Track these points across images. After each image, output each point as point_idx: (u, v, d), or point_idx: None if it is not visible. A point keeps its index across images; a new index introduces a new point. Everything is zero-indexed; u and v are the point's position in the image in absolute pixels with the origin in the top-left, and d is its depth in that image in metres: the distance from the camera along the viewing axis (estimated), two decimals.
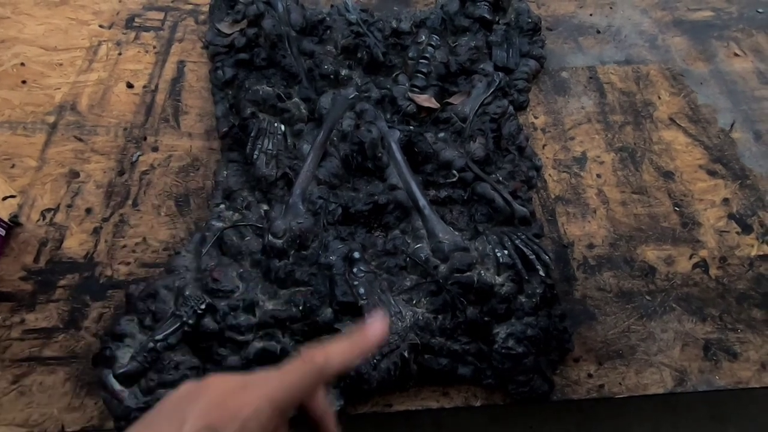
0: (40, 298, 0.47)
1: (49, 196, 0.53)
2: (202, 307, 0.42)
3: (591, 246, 0.53)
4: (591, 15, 0.75)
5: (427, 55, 0.61)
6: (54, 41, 0.65)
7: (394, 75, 0.62)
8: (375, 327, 0.26)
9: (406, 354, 0.42)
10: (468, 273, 0.45)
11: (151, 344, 0.40)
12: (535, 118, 0.63)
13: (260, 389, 0.23)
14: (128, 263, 0.49)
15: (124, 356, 0.40)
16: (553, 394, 0.44)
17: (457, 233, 0.48)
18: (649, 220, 0.55)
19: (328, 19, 0.64)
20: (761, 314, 0.50)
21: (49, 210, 0.52)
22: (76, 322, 0.46)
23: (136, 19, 0.69)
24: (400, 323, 0.43)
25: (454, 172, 0.53)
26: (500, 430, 0.55)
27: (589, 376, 0.46)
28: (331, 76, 0.59)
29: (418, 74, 0.60)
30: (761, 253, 0.54)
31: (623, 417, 0.48)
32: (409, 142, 0.54)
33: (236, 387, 0.23)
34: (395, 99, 0.58)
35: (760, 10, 0.77)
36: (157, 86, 0.62)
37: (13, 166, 0.55)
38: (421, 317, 0.44)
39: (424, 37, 0.63)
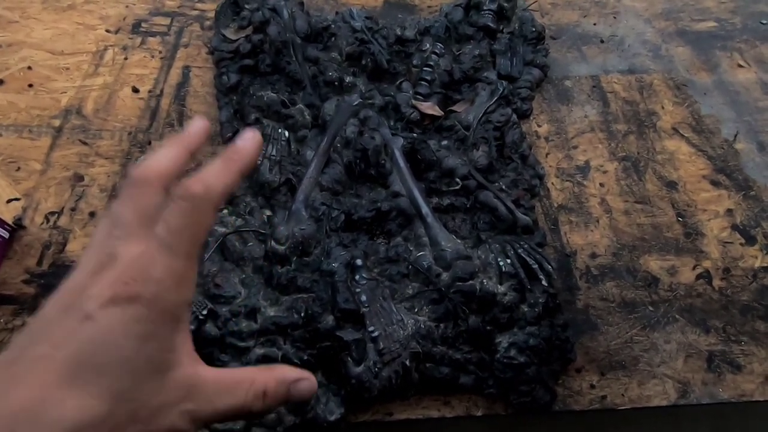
0: (42, 302, 0.47)
1: (53, 199, 0.53)
2: (204, 312, 0.42)
3: (594, 255, 0.53)
4: (595, 24, 0.76)
5: (431, 62, 0.61)
6: (61, 45, 0.65)
7: (398, 82, 0.62)
8: (246, 138, 0.24)
9: (407, 362, 0.42)
10: (470, 282, 0.45)
11: None
12: (539, 126, 0.63)
13: (160, 246, 0.20)
14: None
15: None
16: (555, 404, 0.44)
17: (459, 241, 0.48)
18: (652, 230, 0.55)
19: (332, 26, 0.65)
20: (765, 326, 0.50)
21: (52, 213, 0.52)
22: None
23: (143, 25, 0.69)
24: (401, 331, 0.43)
25: (457, 179, 0.53)
26: None
27: (592, 386, 0.45)
28: (336, 83, 0.60)
29: (422, 82, 0.61)
30: (765, 264, 0.53)
31: (626, 428, 0.48)
32: (413, 149, 0.54)
33: (133, 250, 0.19)
34: (399, 106, 0.58)
35: (764, 21, 0.77)
36: (162, 91, 0.63)
37: (18, 169, 0.55)
38: (422, 325, 0.44)
39: (428, 45, 0.63)
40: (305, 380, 0.23)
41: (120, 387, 0.17)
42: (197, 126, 0.24)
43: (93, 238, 0.21)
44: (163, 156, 0.23)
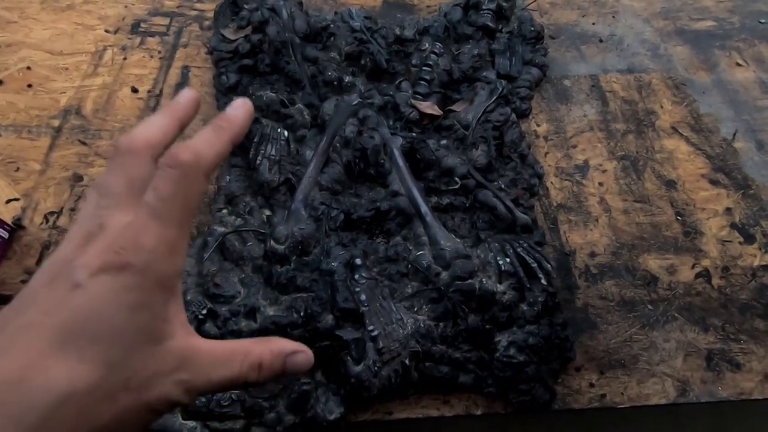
0: None
1: (52, 199, 0.53)
2: (204, 312, 0.42)
3: (593, 254, 0.53)
4: (593, 24, 0.76)
5: (430, 62, 0.62)
6: (60, 46, 0.66)
7: (397, 82, 0.62)
8: (236, 106, 0.23)
9: (407, 361, 0.42)
10: (469, 280, 0.45)
11: None
12: (538, 125, 0.64)
13: (150, 214, 0.19)
14: None
15: None
16: (555, 403, 0.44)
17: (458, 240, 0.48)
18: (652, 228, 0.55)
19: (332, 26, 0.65)
20: (764, 325, 0.50)
21: (52, 213, 0.52)
22: None
23: (142, 25, 0.69)
24: (401, 330, 0.43)
25: (457, 179, 0.53)
26: None
27: (591, 385, 0.46)
28: (335, 83, 0.60)
29: (421, 81, 0.61)
30: (764, 263, 0.54)
31: (625, 427, 0.48)
32: (412, 148, 0.54)
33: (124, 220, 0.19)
34: (398, 106, 0.58)
35: (762, 21, 0.77)
36: (161, 91, 0.63)
37: (17, 170, 0.55)
38: (422, 324, 0.44)
39: (427, 45, 0.63)
40: (302, 353, 0.23)
41: (111, 355, 0.17)
42: (187, 96, 0.24)
43: (80, 209, 0.21)
44: (152, 125, 0.22)
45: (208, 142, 0.22)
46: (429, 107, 0.59)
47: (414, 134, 0.56)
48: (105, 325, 0.17)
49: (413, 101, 0.59)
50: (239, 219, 0.50)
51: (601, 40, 0.73)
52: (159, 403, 0.18)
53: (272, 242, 0.46)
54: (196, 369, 0.19)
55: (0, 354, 0.16)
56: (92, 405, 0.16)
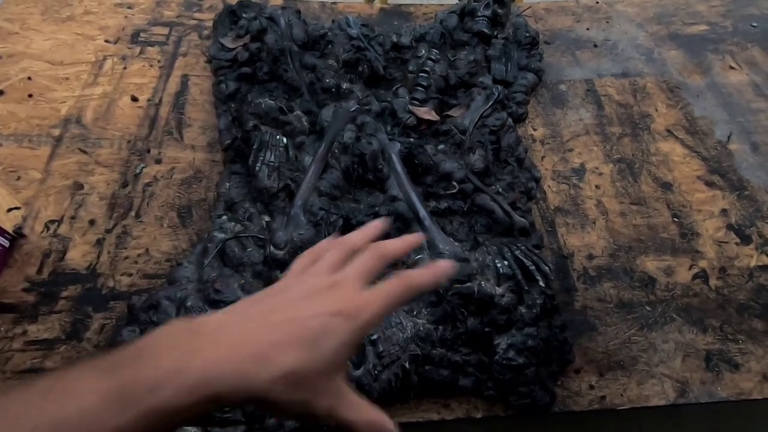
0: (42, 310, 0.47)
1: (53, 207, 0.53)
2: None
3: (591, 257, 0.54)
4: (588, 29, 0.77)
5: (427, 68, 0.62)
6: (60, 56, 0.66)
7: (394, 88, 0.63)
8: (446, 263, 0.30)
9: (407, 365, 0.42)
10: (468, 284, 0.45)
11: None
12: (534, 130, 0.64)
13: (377, 297, 0.27)
14: (130, 274, 0.50)
15: None
16: (555, 405, 0.44)
17: (457, 244, 0.49)
18: (648, 230, 0.56)
19: (329, 33, 0.66)
20: (762, 325, 0.50)
21: (52, 222, 0.53)
22: (78, 334, 0.46)
23: (141, 35, 0.70)
24: (400, 334, 0.43)
25: (454, 183, 0.53)
26: None
27: (591, 387, 0.46)
28: (333, 90, 0.60)
29: (418, 87, 0.61)
30: (760, 263, 0.54)
31: (625, 428, 0.48)
32: (410, 154, 0.55)
33: (358, 291, 0.27)
34: (395, 112, 0.59)
35: (755, 24, 0.78)
36: (161, 100, 0.63)
37: (18, 179, 0.55)
38: (421, 328, 0.44)
39: (423, 51, 0.64)
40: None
41: (318, 364, 0.24)
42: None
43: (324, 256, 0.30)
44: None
45: (423, 276, 0.30)
46: (426, 113, 0.59)
47: (412, 139, 0.57)
48: (324, 345, 0.25)
49: (411, 107, 0.59)
50: (239, 225, 0.50)
51: (595, 45, 0.74)
52: (318, 408, 0.25)
53: (272, 248, 0.47)
54: (343, 405, 0.26)
55: (254, 335, 0.24)
56: (298, 382, 0.24)
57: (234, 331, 0.25)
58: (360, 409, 0.26)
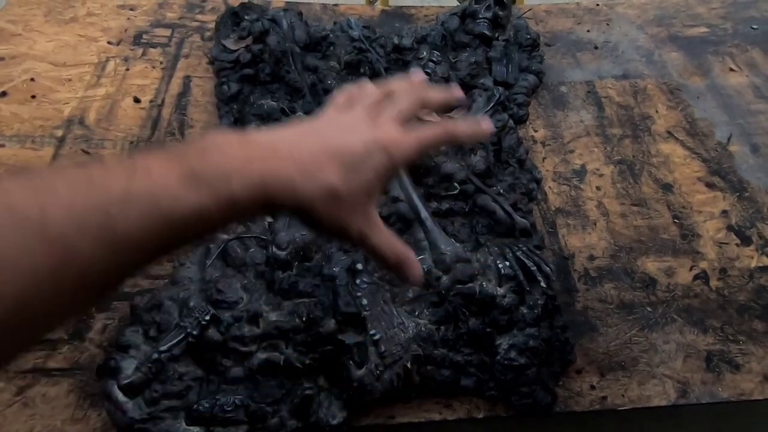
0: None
1: None
2: (207, 318, 0.42)
3: (592, 258, 0.54)
4: (588, 31, 0.77)
5: (428, 70, 0.63)
6: (63, 57, 0.66)
7: None
8: (487, 122, 0.33)
9: (408, 365, 0.42)
10: (470, 284, 0.45)
11: (156, 355, 0.41)
12: (535, 131, 0.64)
13: (415, 137, 0.30)
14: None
15: (129, 367, 0.40)
16: (556, 405, 0.44)
17: (458, 245, 0.49)
18: (649, 231, 0.56)
19: (331, 35, 0.66)
20: (762, 326, 0.50)
21: None
22: (80, 334, 0.46)
23: (144, 36, 0.70)
24: (402, 334, 0.43)
25: (456, 184, 0.53)
26: None
27: (592, 387, 0.46)
28: (334, 91, 0.60)
29: None
30: (761, 264, 0.54)
31: (627, 429, 0.48)
32: None
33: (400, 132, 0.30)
34: None
35: (755, 26, 0.79)
36: (163, 101, 0.64)
37: None
38: (423, 328, 0.44)
39: (425, 53, 0.65)
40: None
41: (355, 187, 0.27)
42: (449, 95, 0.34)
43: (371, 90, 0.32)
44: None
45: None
46: (427, 114, 0.59)
47: None
48: (364, 171, 0.27)
49: None
50: (241, 226, 0.50)
51: (596, 47, 0.75)
52: (351, 229, 0.28)
53: (274, 248, 0.47)
54: (374, 233, 0.29)
55: (300, 154, 0.27)
56: (336, 200, 0.27)
57: (283, 147, 0.27)
58: (389, 239, 0.29)
